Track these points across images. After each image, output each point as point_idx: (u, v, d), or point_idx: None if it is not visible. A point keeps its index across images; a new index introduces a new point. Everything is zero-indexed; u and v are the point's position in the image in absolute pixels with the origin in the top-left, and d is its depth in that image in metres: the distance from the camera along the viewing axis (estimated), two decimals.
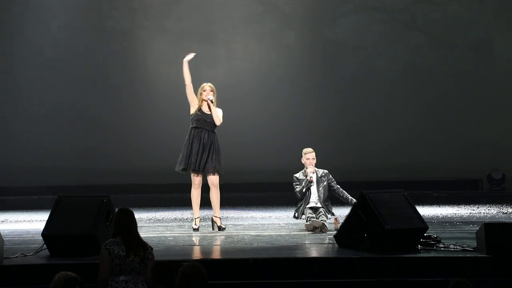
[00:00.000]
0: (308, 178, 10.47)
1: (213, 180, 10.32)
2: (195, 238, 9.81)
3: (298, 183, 10.61)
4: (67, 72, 15.51)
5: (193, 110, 10.40)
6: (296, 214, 10.65)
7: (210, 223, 10.68)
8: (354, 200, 10.38)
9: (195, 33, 15.64)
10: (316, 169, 10.68)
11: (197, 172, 10.25)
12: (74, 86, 15.49)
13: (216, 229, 10.35)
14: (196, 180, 10.31)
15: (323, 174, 10.65)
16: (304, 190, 10.51)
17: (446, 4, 15.81)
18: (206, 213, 12.14)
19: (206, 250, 9.01)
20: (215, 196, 10.35)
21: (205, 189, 10.47)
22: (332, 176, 10.67)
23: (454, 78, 15.80)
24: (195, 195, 10.36)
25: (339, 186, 10.64)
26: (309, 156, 10.69)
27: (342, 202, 10.80)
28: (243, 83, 15.61)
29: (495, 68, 15.89)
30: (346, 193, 10.59)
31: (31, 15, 15.52)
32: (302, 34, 15.74)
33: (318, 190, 10.55)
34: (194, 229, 10.35)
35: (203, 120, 10.30)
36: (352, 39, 15.75)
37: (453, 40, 15.90)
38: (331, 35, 15.75)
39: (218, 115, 10.31)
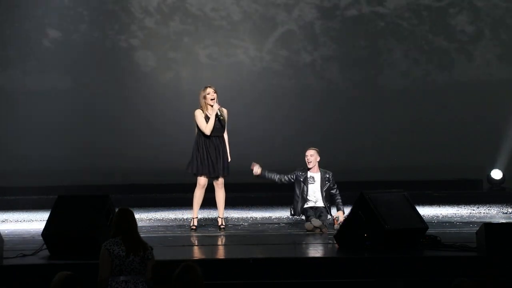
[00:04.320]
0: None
1: (220, 182, 10.37)
2: (195, 238, 9.82)
3: (291, 176, 10.65)
4: (67, 73, 15.51)
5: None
6: (293, 211, 10.67)
7: (209, 223, 10.71)
8: (341, 207, 10.45)
9: (195, 33, 15.65)
10: (321, 169, 10.69)
11: (209, 177, 10.30)
12: (73, 86, 15.49)
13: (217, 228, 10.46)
14: (202, 181, 10.34)
15: (328, 176, 10.65)
16: (276, 179, 10.62)
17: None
18: (205, 214, 12.14)
19: (206, 250, 9.02)
20: (221, 196, 10.41)
21: (209, 189, 10.49)
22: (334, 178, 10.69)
23: (454, 78, 15.80)
24: (198, 195, 10.38)
25: (338, 194, 10.64)
26: (306, 153, 10.74)
27: (342, 202, 10.79)
28: (243, 83, 15.61)
29: (495, 67, 15.89)
30: (340, 201, 10.60)
31: (30, 15, 15.53)
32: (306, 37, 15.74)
33: (321, 191, 10.56)
34: (192, 229, 10.38)
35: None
36: (355, 42, 15.74)
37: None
38: (334, 37, 15.74)
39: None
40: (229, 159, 10.41)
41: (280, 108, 15.55)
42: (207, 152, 10.30)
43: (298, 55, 15.79)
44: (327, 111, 15.57)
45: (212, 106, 10.28)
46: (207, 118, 10.30)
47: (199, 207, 10.46)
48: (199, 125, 10.32)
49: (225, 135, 10.46)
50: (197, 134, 10.38)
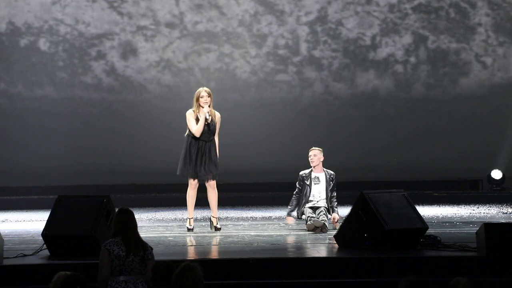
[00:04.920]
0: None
1: (211, 183, 10.38)
2: (195, 238, 9.81)
3: (299, 184, 10.59)
4: (66, 73, 15.51)
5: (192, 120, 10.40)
6: (298, 214, 10.62)
7: (207, 223, 10.73)
8: (336, 209, 10.41)
9: (193, 34, 15.65)
10: (325, 169, 10.66)
11: (195, 178, 10.31)
12: (73, 86, 15.50)
13: (213, 228, 10.43)
14: (193, 181, 10.35)
15: (332, 176, 10.61)
16: (296, 201, 10.56)
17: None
18: (203, 213, 12.14)
19: (206, 250, 9.02)
20: (213, 197, 10.41)
21: (202, 189, 10.49)
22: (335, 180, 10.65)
23: (454, 79, 15.81)
24: (191, 194, 10.40)
25: (335, 196, 10.59)
26: (310, 153, 10.69)
27: (342, 202, 10.79)
28: (243, 82, 15.61)
29: (494, 68, 15.90)
30: (335, 204, 10.56)
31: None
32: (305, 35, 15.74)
33: (326, 191, 10.51)
34: (189, 229, 10.38)
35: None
36: (355, 38, 15.75)
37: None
38: (334, 35, 15.75)
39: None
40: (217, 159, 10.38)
41: (280, 109, 15.54)
42: (189, 154, 10.29)
43: (297, 56, 15.77)
44: (327, 112, 15.56)
45: (202, 107, 10.28)
46: (197, 120, 10.28)
47: (193, 207, 10.47)
48: (189, 126, 10.32)
49: (216, 139, 10.42)
50: (186, 135, 10.36)
